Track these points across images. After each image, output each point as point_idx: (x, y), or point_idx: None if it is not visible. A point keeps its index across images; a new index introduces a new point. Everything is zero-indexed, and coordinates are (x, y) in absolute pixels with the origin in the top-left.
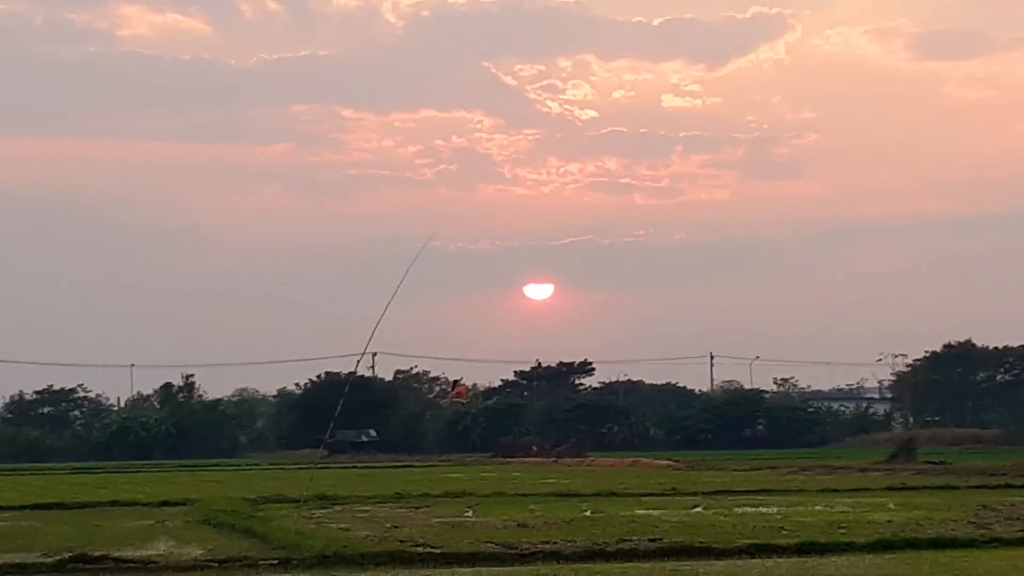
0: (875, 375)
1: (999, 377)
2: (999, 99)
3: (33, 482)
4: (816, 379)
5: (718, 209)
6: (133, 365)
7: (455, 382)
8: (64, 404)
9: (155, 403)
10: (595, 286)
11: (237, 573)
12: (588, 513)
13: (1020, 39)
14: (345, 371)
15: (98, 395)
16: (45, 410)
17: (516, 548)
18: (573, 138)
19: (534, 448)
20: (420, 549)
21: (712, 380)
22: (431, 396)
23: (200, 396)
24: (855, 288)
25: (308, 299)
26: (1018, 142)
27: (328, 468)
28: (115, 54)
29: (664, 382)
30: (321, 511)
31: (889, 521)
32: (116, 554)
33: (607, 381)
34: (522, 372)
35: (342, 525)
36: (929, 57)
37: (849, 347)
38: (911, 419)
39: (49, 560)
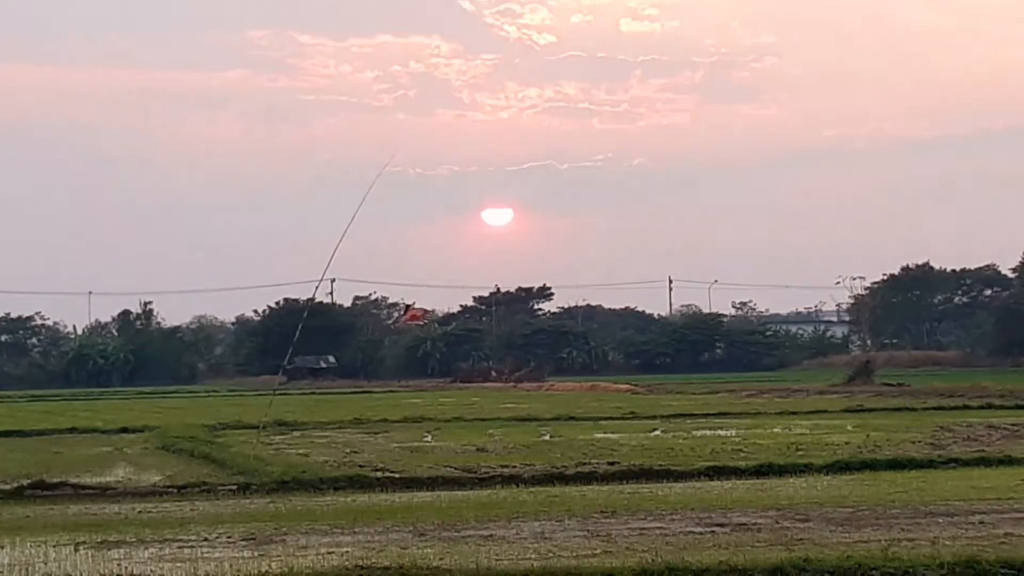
0: (833, 298)
1: (956, 299)
2: (958, 22)
3: None
4: (774, 303)
5: (677, 133)
6: (91, 292)
7: (407, 305)
8: (21, 332)
9: (113, 331)
10: (554, 211)
11: (196, 498)
12: (547, 437)
13: None
14: (304, 298)
15: (55, 323)
16: (2, 338)
17: (475, 472)
18: (531, 63)
19: (493, 373)
20: (379, 474)
21: (671, 304)
22: (390, 322)
23: (158, 323)
24: (814, 212)
25: (266, 225)
26: (977, 65)
27: (287, 394)
28: None
29: (623, 307)
30: (280, 437)
31: (847, 443)
32: (74, 480)
33: (566, 306)
34: (481, 297)
35: (301, 451)
36: None
37: (807, 270)
38: (869, 342)
39: (7, 487)
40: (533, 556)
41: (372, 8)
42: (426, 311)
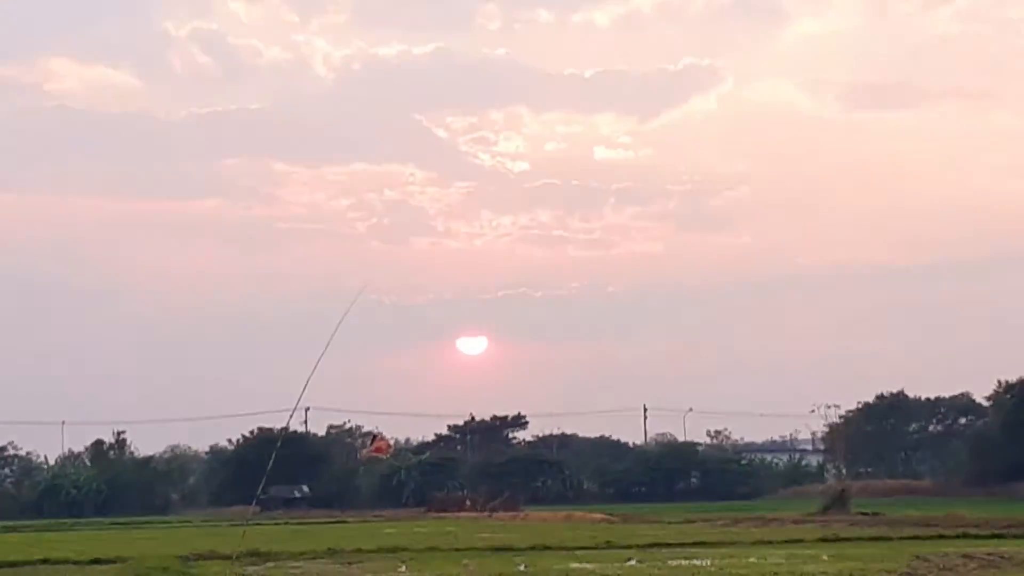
0: (808, 426)
1: (931, 428)
2: (929, 149)
3: None
4: (750, 431)
5: (651, 261)
6: (64, 422)
7: (374, 436)
8: None
9: (86, 460)
10: (529, 339)
11: None
12: (523, 568)
13: (949, 90)
14: (278, 426)
15: (28, 452)
16: None
17: None
18: (506, 191)
19: (468, 502)
20: None
21: (646, 433)
22: (359, 454)
23: (131, 453)
24: (788, 339)
25: (240, 354)
26: (948, 193)
27: (261, 524)
28: (43, 108)
29: (598, 435)
30: (253, 568)
31: (823, 573)
32: None
33: (541, 435)
34: (455, 426)
35: None
36: (860, 108)
37: (782, 398)
38: (844, 470)
39: None
40: None
41: (346, 136)
42: (389, 445)
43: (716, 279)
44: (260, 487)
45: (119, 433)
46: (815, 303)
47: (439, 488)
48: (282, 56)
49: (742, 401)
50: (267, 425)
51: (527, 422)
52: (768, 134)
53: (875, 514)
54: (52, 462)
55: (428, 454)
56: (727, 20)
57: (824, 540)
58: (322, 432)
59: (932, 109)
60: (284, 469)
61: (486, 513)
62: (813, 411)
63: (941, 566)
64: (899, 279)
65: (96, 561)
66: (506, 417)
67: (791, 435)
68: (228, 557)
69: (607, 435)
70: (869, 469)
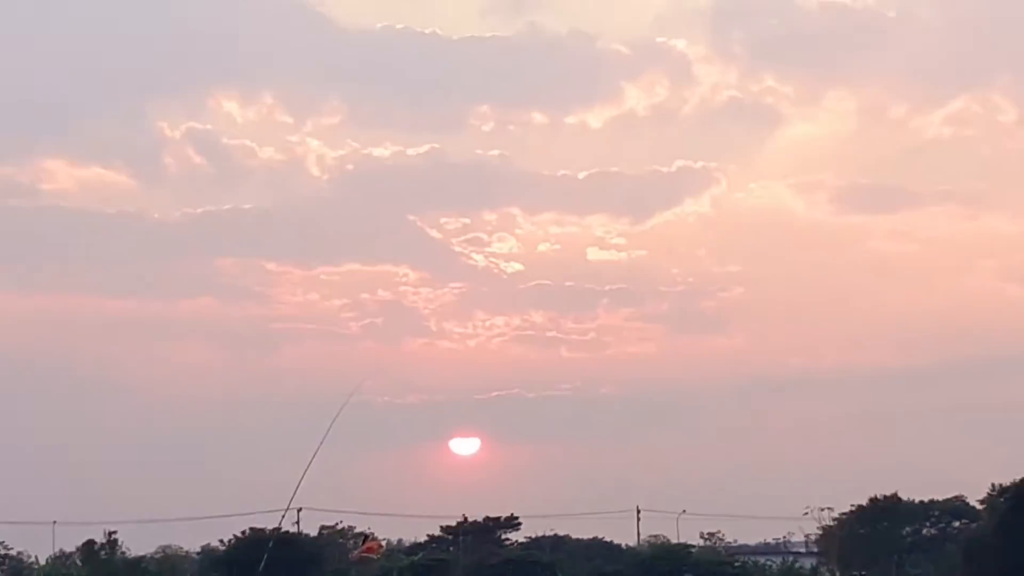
0: (802, 529)
1: (925, 531)
2: (922, 252)
3: None
4: (743, 533)
5: (644, 363)
6: (55, 522)
7: (364, 536)
8: None
9: (77, 561)
10: (522, 440)
11: None
12: None
13: (941, 193)
14: (270, 527)
15: (19, 552)
16: None
17: None
18: (499, 291)
19: None
20: None
21: (639, 534)
22: (355, 552)
23: (123, 553)
24: (781, 441)
25: (233, 454)
26: (941, 296)
27: None
28: (37, 208)
29: (591, 536)
30: None
31: None
32: None
33: (534, 536)
34: (448, 527)
35: None
36: (853, 211)
37: (776, 501)
38: (837, 573)
39: None
40: None
41: (340, 236)
42: (380, 545)
43: (709, 381)
44: None
45: (110, 533)
46: (809, 405)
47: None
48: (276, 156)
49: (735, 503)
50: (259, 525)
51: (520, 523)
52: (761, 236)
53: None
54: (43, 562)
55: (421, 555)
56: (720, 123)
57: None
58: (314, 533)
59: (924, 212)
60: (276, 570)
61: None
62: (807, 513)
63: None
64: (892, 381)
65: None
66: (499, 518)
67: (785, 537)
68: None
69: (600, 536)
70: (863, 572)
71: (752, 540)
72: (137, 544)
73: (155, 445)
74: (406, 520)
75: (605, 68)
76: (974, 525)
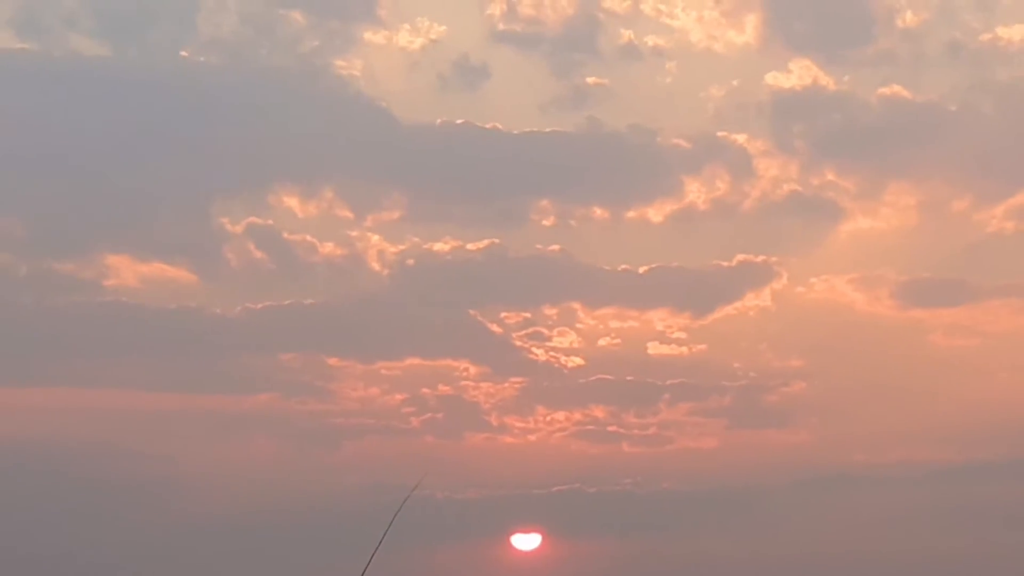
0: None
1: None
2: (984, 347)
3: None
4: None
5: (706, 457)
6: None
7: None
8: None
9: None
10: (583, 535)
11: None
12: None
13: (1002, 287)
14: None
15: None
16: None
17: None
18: (560, 386)
19: None
20: None
21: None
22: None
23: None
24: (845, 536)
25: (293, 551)
26: (1003, 389)
27: None
28: (99, 303)
29: None
30: None
31: None
32: None
33: None
34: None
35: None
36: (914, 305)
37: None
38: None
39: None
40: None
41: (400, 331)
42: None
43: (771, 475)
44: None
45: None
46: (872, 500)
47: None
48: (337, 251)
49: None
50: None
51: None
52: (822, 331)
53: None
54: None
55: None
56: (781, 217)
57: None
58: None
59: (987, 306)
60: None
61: None
62: None
63: None
64: (956, 476)
65: None
66: None
67: None
68: None
69: None
70: None
71: None
72: None
73: (216, 543)
74: None
75: (665, 163)
76: None
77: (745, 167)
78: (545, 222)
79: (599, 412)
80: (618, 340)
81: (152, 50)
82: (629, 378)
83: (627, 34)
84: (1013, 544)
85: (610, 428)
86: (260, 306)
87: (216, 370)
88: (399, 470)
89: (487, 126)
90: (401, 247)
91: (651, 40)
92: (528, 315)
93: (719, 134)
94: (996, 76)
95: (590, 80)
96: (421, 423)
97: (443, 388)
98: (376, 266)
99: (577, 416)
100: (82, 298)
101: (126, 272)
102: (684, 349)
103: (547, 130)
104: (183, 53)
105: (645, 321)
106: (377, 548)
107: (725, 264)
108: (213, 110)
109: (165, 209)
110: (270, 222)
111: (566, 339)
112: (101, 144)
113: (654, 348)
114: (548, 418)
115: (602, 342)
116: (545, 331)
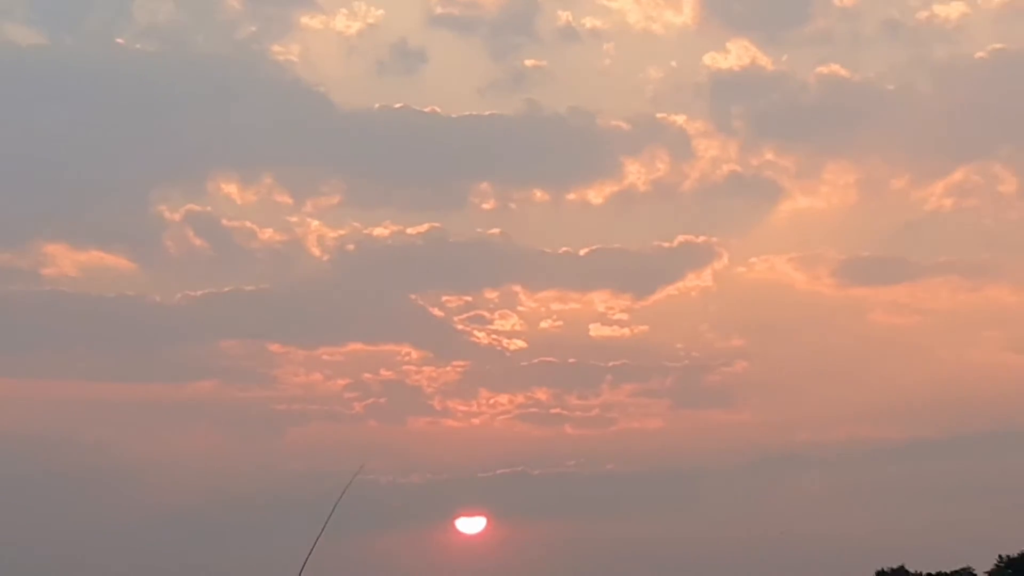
0: None
1: None
2: (923, 324)
3: None
4: None
5: (649, 438)
6: None
7: None
8: None
9: None
10: (528, 517)
11: None
12: None
13: (942, 264)
14: None
15: None
16: None
17: None
18: (502, 369)
19: None
20: None
21: None
22: None
23: None
24: (787, 515)
25: (236, 537)
26: (944, 367)
27: None
28: (37, 292)
29: None
30: None
31: None
32: None
33: None
34: None
35: None
36: (854, 283)
37: (781, 575)
38: None
39: None
40: None
41: (342, 316)
42: None
43: (715, 456)
44: None
45: None
46: (814, 478)
47: None
48: (276, 237)
49: None
50: None
51: None
52: (763, 310)
53: None
54: None
55: None
56: (721, 197)
57: None
58: None
59: (927, 284)
60: None
61: None
62: None
63: None
64: (898, 453)
65: None
66: None
67: None
68: None
69: None
70: None
71: None
72: None
73: (157, 529)
74: None
75: (605, 144)
76: None
77: (684, 148)
78: (485, 205)
79: (542, 395)
80: (560, 322)
81: (88, 38)
82: (571, 360)
83: (565, 16)
84: (955, 519)
85: (553, 410)
86: (200, 293)
87: (157, 358)
88: (343, 455)
89: (426, 110)
90: (341, 232)
91: (589, 22)
92: (469, 299)
93: (658, 115)
94: (933, 54)
95: (528, 63)
96: (364, 408)
97: (385, 373)
98: (316, 252)
99: (520, 399)
100: (19, 287)
101: (64, 261)
102: (626, 331)
103: (486, 113)
104: (119, 40)
105: (587, 303)
106: (320, 533)
107: (666, 245)
108: (150, 97)
109: (102, 197)
110: (209, 209)
111: (508, 322)
112: (36, 132)
113: (596, 330)
114: (491, 401)
115: (544, 324)
116: (487, 314)
